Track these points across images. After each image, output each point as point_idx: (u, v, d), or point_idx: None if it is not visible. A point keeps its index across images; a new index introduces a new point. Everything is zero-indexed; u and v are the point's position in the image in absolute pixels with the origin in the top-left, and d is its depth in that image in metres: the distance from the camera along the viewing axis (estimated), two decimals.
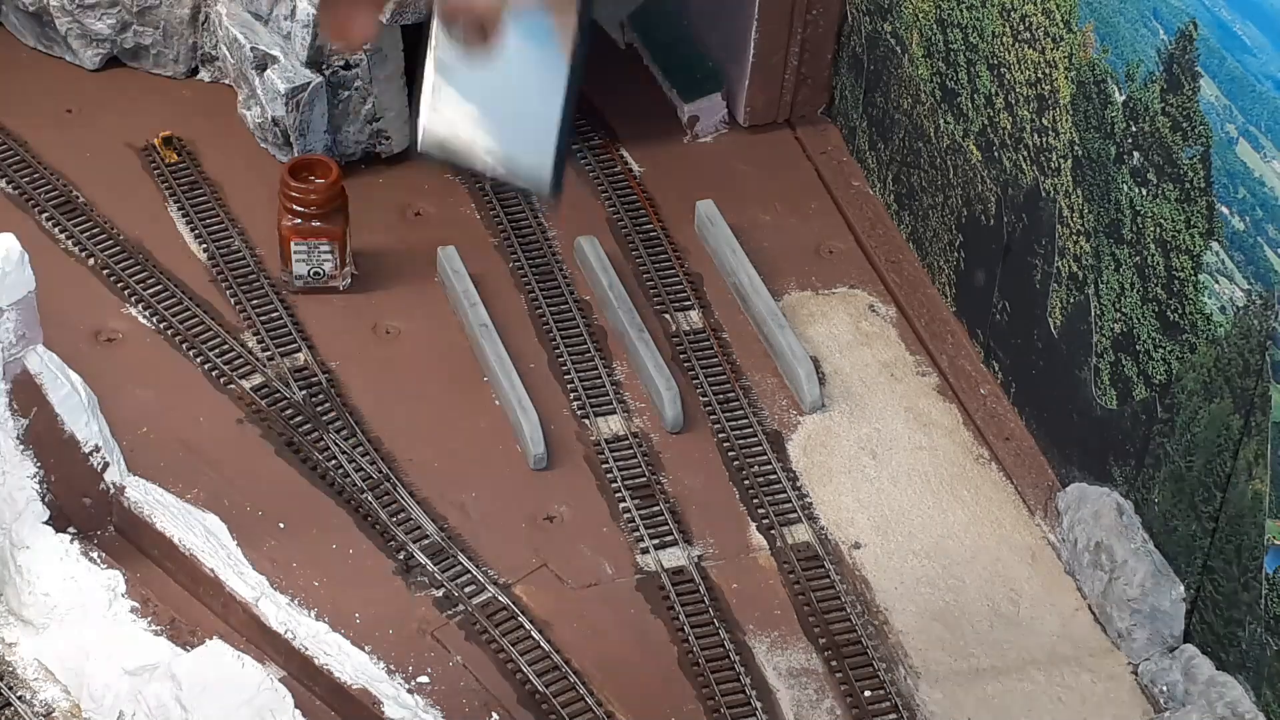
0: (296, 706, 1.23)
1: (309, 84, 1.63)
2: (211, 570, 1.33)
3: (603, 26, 1.79)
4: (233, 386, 1.49)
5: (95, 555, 1.34)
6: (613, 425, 1.48)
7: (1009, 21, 1.41)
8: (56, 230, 1.62)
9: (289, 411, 1.47)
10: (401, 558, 1.37)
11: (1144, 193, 1.28)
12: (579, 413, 1.49)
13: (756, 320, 1.57)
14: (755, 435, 1.47)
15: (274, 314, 1.55)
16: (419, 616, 1.33)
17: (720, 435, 1.48)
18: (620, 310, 1.55)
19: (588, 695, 1.28)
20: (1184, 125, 1.23)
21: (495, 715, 1.27)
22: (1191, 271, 1.24)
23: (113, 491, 1.37)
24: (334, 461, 1.43)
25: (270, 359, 1.51)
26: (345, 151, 1.68)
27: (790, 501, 1.42)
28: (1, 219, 1.62)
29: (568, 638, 1.32)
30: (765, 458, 1.46)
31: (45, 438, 1.34)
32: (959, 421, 1.50)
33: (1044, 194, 1.41)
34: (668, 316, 1.57)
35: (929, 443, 1.48)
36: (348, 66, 1.65)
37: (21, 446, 1.34)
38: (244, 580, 1.33)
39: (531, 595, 1.35)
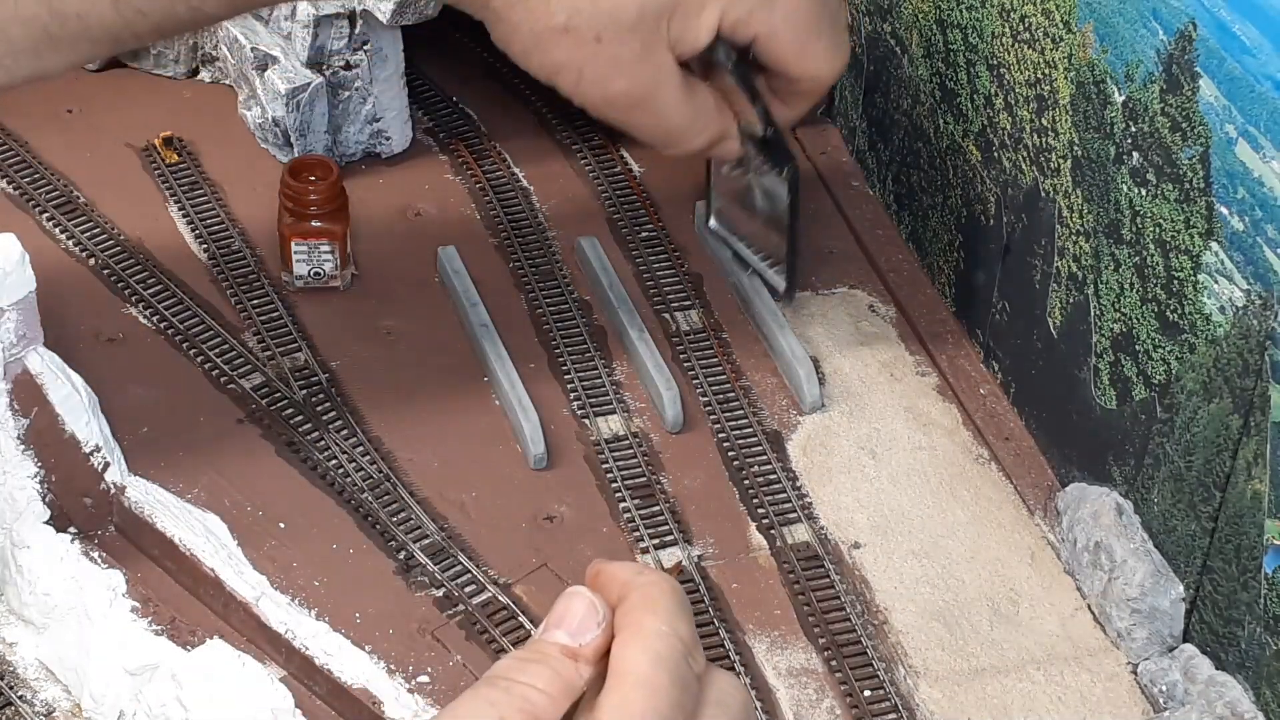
0: (297, 706, 1.23)
1: (309, 84, 1.63)
2: (212, 570, 1.33)
3: None
4: (233, 386, 1.49)
5: (96, 555, 1.34)
6: (613, 425, 1.48)
7: (1008, 22, 1.41)
8: (57, 230, 1.62)
9: (289, 411, 1.47)
10: (401, 558, 1.37)
11: (1143, 193, 1.28)
12: (579, 413, 1.49)
13: (756, 320, 1.57)
14: (755, 435, 1.47)
15: (274, 314, 1.55)
16: (419, 616, 1.33)
17: (720, 435, 1.48)
18: (620, 310, 1.55)
19: None
20: (1183, 125, 1.23)
21: None
22: (1191, 271, 1.24)
23: (113, 491, 1.37)
24: (334, 461, 1.43)
25: (270, 359, 1.51)
26: (345, 152, 1.69)
27: (790, 501, 1.42)
28: (2, 219, 1.62)
29: None
30: (765, 457, 1.46)
31: (46, 437, 1.34)
32: (959, 421, 1.50)
33: (1043, 194, 1.41)
34: (668, 316, 1.57)
35: (929, 443, 1.48)
36: (348, 67, 1.65)
37: (22, 446, 1.34)
38: (244, 580, 1.33)
39: (531, 595, 1.35)
